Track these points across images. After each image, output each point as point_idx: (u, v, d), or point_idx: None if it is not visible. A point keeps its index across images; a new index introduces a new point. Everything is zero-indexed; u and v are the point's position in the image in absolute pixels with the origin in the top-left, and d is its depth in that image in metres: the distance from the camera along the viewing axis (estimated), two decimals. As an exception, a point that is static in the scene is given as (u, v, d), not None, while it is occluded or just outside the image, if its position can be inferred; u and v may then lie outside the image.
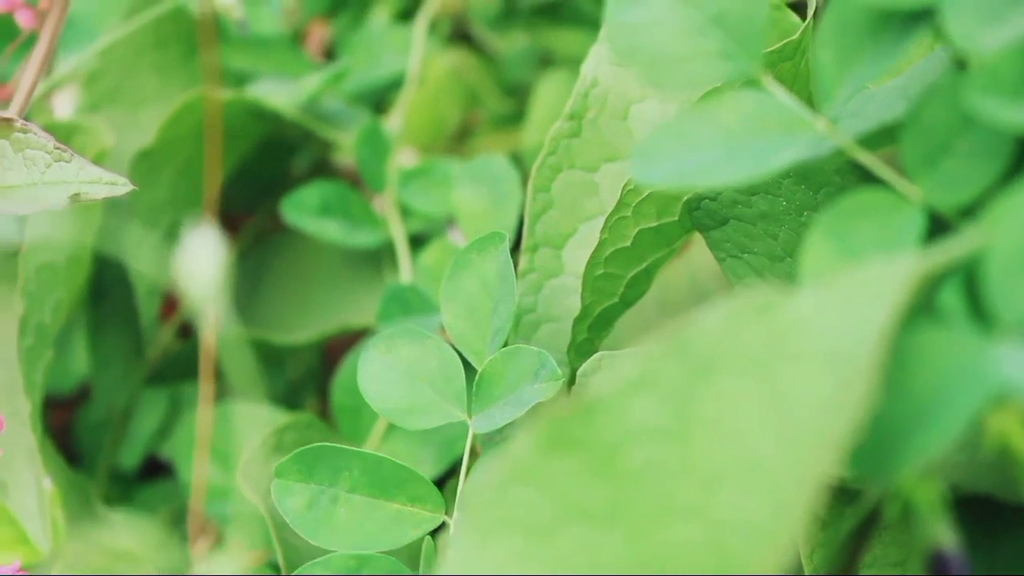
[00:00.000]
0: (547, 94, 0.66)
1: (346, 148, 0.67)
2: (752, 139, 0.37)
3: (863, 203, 0.37)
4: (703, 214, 0.47)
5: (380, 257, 0.64)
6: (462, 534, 0.33)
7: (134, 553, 0.26)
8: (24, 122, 0.50)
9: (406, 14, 0.75)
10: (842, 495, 0.38)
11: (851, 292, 0.32)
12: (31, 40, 0.62)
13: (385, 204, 0.63)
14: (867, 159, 0.37)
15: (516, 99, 0.72)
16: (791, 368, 0.32)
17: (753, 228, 0.46)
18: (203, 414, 0.35)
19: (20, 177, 0.50)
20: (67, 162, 0.49)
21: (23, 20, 0.62)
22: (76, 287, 0.61)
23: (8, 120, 0.50)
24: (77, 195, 0.49)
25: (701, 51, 0.38)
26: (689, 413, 0.32)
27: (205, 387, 0.35)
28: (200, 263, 0.27)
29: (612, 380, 0.33)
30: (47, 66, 0.57)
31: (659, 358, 0.33)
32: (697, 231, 0.47)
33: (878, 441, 0.31)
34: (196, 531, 0.34)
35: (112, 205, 0.63)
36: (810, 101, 0.42)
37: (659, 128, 0.38)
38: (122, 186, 0.49)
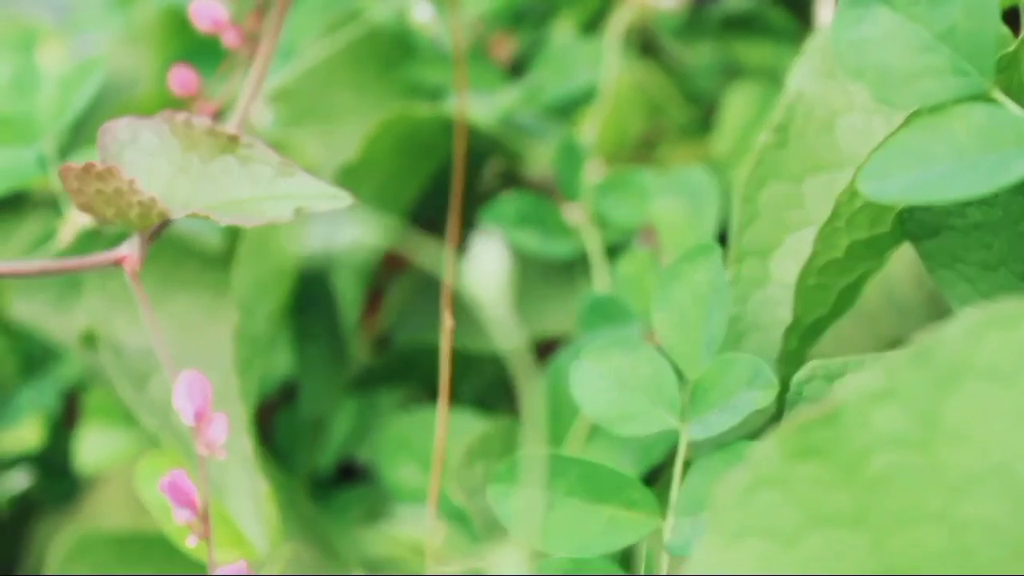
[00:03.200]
0: (736, 105, 0.67)
1: (534, 159, 0.68)
2: (985, 153, 0.38)
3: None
4: (915, 225, 0.47)
5: (572, 267, 0.66)
6: (706, 537, 0.35)
7: (423, 545, 0.28)
8: (249, 137, 0.52)
9: (589, 26, 0.76)
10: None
11: (1099, 303, 0.32)
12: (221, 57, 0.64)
13: (579, 215, 0.64)
14: (1100, 171, 0.37)
15: (700, 109, 0.73)
16: (1040, 378, 0.32)
17: (967, 238, 0.46)
18: (441, 421, 0.37)
19: (246, 191, 0.52)
20: (291, 176, 0.51)
21: (229, 40, 0.64)
22: (284, 297, 0.63)
23: (234, 136, 0.52)
24: (301, 208, 0.51)
25: (931, 67, 0.39)
26: (934, 420, 0.33)
27: (444, 393, 0.36)
28: (487, 269, 0.28)
29: (854, 389, 0.34)
30: (261, 85, 0.59)
31: (902, 368, 0.34)
32: (908, 241, 0.48)
33: None
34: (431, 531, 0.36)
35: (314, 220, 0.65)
36: None
37: (889, 143, 0.39)
38: (344, 200, 0.50)
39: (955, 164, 0.38)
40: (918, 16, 0.39)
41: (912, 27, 0.39)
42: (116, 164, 0.52)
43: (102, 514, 0.79)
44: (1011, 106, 0.38)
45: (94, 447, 0.76)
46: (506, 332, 0.28)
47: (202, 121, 0.53)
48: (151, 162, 0.53)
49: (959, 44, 0.39)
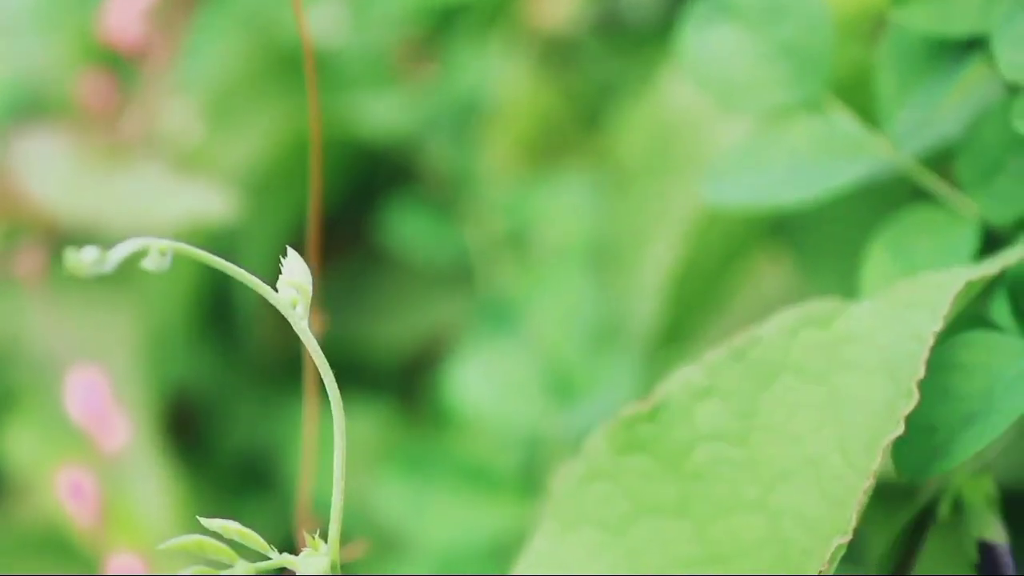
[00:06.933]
0: (628, 110, 0.68)
1: (431, 160, 0.69)
2: (818, 160, 0.39)
3: (921, 219, 0.39)
4: (779, 232, 0.49)
5: (463, 268, 0.67)
6: (543, 526, 0.36)
7: (256, 542, 0.29)
8: (141, 145, 0.54)
9: (491, 29, 0.78)
10: (901, 494, 0.41)
11: (904, 303, 0.34)
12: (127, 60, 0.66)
13: (470, 217, 0.66)
14: (926, 177, 0.39)
15: (596, 113, 0.74)
16: (847, 375, 0.34)
17: (832, 244, 0.48)
18: (309, 416, 0.38)
19: (138, 199, 0.53)
20: (181, 184, 0.53)
21: (137, 48, 0.66)
22: (189, 295, 0.65)
23: (131, 146, 0.53)
24: (190, 215, 0.52)
25: (770, 78, 0.41)
26: (751, 415, 0.35)
27: (309, 390, 0.38)
28: (290, 273, 0.30)
29: (678, 385, 0.36)
30: (161, 91, 0.61)
31: (722, 365, 0.36)
32: (772, 248, 0.50)
33: (928, 441, 0.33)
34: (301, 526, 0.37)
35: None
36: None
37: (730, 150, 0.41)
38: (232, 208, 0.52)
39: (790, 171, 0.39)
40: (759, 30, 0.41)
41: (755, 40, 0.41)
42: (14, 171, 0.53)
43: (31, 514, 0.80)
44: (843, 117, 0.40)
45: (23, 448, 0.76)
46: (306, 337, 0.30)
47: (102, 130, 0.55)
48: (50, 170, 0.55)
49: (797, 57, 0.41)
